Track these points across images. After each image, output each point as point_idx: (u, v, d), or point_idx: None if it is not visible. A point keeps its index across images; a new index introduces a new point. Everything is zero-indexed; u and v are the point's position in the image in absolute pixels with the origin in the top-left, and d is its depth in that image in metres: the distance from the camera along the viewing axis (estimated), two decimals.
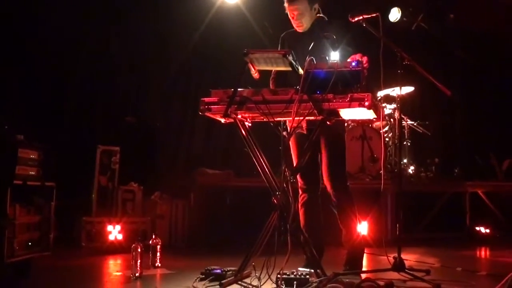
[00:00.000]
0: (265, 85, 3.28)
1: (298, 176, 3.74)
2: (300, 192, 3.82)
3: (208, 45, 6.80)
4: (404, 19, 7.07)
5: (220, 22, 6.79)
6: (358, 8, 3.81)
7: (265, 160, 3.32)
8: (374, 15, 3.64)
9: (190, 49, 6.67)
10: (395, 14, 7.01)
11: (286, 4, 3.73)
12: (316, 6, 3.76)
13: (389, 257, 3.53)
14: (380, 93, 6.07)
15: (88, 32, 6.07)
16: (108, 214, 5.28)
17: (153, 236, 4.08)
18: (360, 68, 3.03)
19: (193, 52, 6.71)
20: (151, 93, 6.78)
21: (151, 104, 6.77)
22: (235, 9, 6.71)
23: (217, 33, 6.79)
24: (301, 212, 3.78)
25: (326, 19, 3.83)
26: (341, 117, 3.18)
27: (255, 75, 3.37)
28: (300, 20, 3.72)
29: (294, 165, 3.60)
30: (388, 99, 6.19)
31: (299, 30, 3.77)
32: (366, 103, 2.96)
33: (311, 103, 3.02)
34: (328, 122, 3.08)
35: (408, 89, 6.11)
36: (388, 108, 6.25)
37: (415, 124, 6.72)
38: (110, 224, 5.10)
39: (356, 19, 3.68)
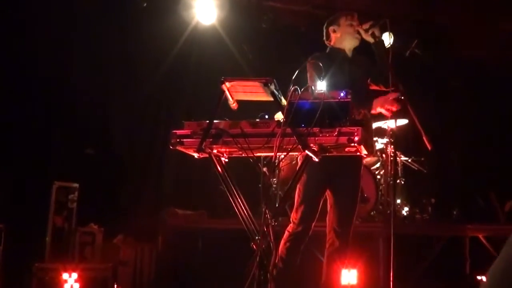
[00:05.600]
0: (244, 117, 3.29)
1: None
2: (293, 226, 3.93)
3: (181, 70, 6.85)
4: (397, 45, 7.23)
5: (195, 45, 6.86)
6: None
7: (243, 199, 3.32)
8: (382, 22, 3.94)
9: (161, 74, 6.70)
10: (386, 40, 7.17)
11: (350, 18, 4.07)
12: None
13: None
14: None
15: (45, 54, 6.04)
16: (63, 260, 5.19)
17: (115, 286, 4.02)
18: (349, 99, 3.07)
19: (165, 77, 6.74)
20: (116, 123, 6.75)
21: (115, 134, 6.74)
22: (211, 30, 6.79)
23: (191, 57, 6.87)
24: (284, 247, 3.89)
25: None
26: (329, 154, 3.21)
27: (233, 105, 3.40)
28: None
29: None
30: (380, 132, 6.26)
31: (356, 43, 4.10)
32: (356, 138, 2.98)
33: (295, 137, 3.04)
34: (314, 159, 3.09)
35: (401, 122, 6.20)
36: (380, 143, 6.31)
37: (409, 160, 6.79)
38: (66, 271, 5.01)
39: (367, 26, 3.98)
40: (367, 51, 4.11)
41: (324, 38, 4.24)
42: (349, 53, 4.15)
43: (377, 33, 3.95)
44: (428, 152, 3.73)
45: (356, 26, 4.04)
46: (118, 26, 6.56)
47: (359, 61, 4.13)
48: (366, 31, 3.97)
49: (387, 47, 7.09)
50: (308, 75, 3.98)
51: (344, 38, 4.11)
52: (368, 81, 4.10)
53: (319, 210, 3.97)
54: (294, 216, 3.95)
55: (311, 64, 3.95)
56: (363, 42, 4.12)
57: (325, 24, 4.23)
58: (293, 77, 3.81)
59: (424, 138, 3.64)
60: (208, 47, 6.84)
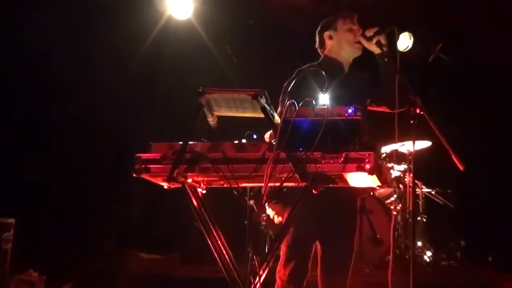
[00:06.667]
0: (227, 137, 3.29)
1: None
2: (281, 284, 3.93)
3: (150, 77, 6.85)
4: (418, 48, 7.26)
5: (167, 46, 6.86)
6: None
7: (224, 241, 3.32)
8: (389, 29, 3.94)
9: (126, 82, 6.70)
10: (405, 41, 7.16)
11: (349, 21, 4.10)
12: None
13: None
14: (385, 149, 6.17)
15: None
16: None
17: None
18: (358, 117, 3.08)
19: (130, 86, 6.74)
20: (64, 141, 6.73)
21: (63, 156, 6.71)
22: (186, 28, 6.79)
23: (163, 60, 6.86)
24: None
25: None
26: (334, 185, 3.21)
27: (213, 122, 3.41)
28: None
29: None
30: (396, 157, 6.29)
31: (358, 53, 4.10)
32: (367, 166, 2.98)
33: (291, 164, 3.03)
34: (314, 191, 3.10)
35: (423, 144, 6.23)
36: (396, 170, 6.33)
37: (433, 192, 6.81)
38: None
39: (371, 33, 3.97)
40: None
41: (317, 45, 4.25)
42: (346, 65, 4.17)
43: (383, 41, 3.95)
44: (460, 171, 3.72)
45: (357, 32, 4.05)
46: (71, 25, 6.56)
47: (357, 77, 4.14)
48: (370, 39, 3.96)
49: (405, 50, 7.15)
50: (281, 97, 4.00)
51: (341, 47, 4.13)
52: (367, 102, 4.11)
53: (310, 263, 3.97)
54: (283, 273, 3.94)
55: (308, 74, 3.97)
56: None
57: (319, 28, 4.24)
58: (289, 89, 3.85)
59: (454, 157, 3.64)
60: (183, 48, 6.85)
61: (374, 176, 3.07)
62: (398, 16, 7.40)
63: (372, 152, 3.02)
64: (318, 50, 4.25)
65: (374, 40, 3.94)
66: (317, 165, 3.04)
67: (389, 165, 6.27)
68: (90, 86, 6.73)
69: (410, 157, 6.22)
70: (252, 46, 7.44)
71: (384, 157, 6.17)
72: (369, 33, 3.98)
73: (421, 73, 7.00)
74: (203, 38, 6.84)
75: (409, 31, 6.62)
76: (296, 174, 3.04)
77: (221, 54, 6.96)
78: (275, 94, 3.82)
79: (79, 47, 6.71)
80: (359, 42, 4.06)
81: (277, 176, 3.08)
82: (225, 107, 3.36)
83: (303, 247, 3.93)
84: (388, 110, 4.02)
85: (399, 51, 7.21)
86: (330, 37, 4.17)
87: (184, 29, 6.79)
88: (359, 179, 3.17)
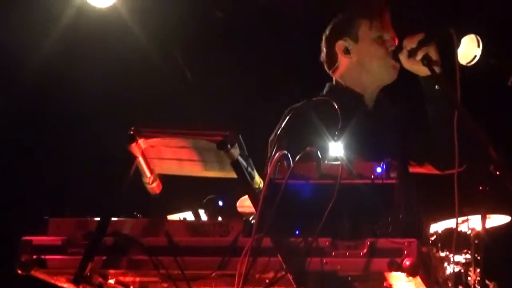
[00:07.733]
0: (174, 208, 3.29)
1: None
2: None
3: (50, 99, 6.89)
4: (490, 61, 7.31)
5: (78, 50, 6.91)
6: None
7: None
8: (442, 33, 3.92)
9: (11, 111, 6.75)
10: (470, 49, 7.13)
11: (377, 24, 4.19)
12: None
13: None
14: (436, 227, 6.19)
15: None
16: None
17: None
18: (393, 181, 3.09)
19: (14, 113, 6.78)
20: None
21: None
22: (110, 20, 6.83)
23: (70, 75, 6.90)
24: None
25: None
26: None
27: (152, 185, 3.39)
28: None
29: None
30: (455, 241, 6.31)
31: (392, 78, 4.16)
32: (406, 262, 2.97)
33: (280, 258, 3.03)
34: None
35: (499, 220, 6.26)
36: (455, 262, 6.34)
37: None
38: None
39: (413, 43, 3.95)
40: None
41: (325, 62, 4.29)
42: (371, 96, 4.22)
43: (433, 56, 3.92)
44: None
45: (391, 43, 4.06)
46: None
47: (389, 115, 4.18)
48: (412, 53, 3.96)
49: (468, 64, 7.20)
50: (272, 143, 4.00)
51: (366, 67, 4.19)
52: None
53: None
54: None
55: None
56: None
57: (326, 34, 4.27)
58: (278, 130, 3.84)
59: None
60: (103, 54, 6.89)
61: (418, 279, 3.07)
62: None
63: (414, 239, 3.03)
64: (327, 69, 4.24)
65: (419, 55, 3.92)
66: (324, 260, 3.06)
67: (442, 254, 6.27)
68: None
69: (477, 241, 6.23)
70: (218, 51, 7.46)
71: (434, 241, 6.16)
72: (410, 43, 3.95)
73: (492, 103, 7.09)
74: (135, 35, 6.85)
75: (477, 33, 6.68)
76: (288, 275, 3.03)
77: (165, 63, 6.96)
78: (256, 138, 3.82)
79: None
80: (395, 60, 4.05)
81: (257, 277, 3.09)
82: (173, 160, 3.37)
83: None
84: (434, 171, 4.03)
85: (459, 65, 7.27)
86: (346, 51, 4.19)
87: (106, 21, 6.83)
88: (393, 283, 3.18)
